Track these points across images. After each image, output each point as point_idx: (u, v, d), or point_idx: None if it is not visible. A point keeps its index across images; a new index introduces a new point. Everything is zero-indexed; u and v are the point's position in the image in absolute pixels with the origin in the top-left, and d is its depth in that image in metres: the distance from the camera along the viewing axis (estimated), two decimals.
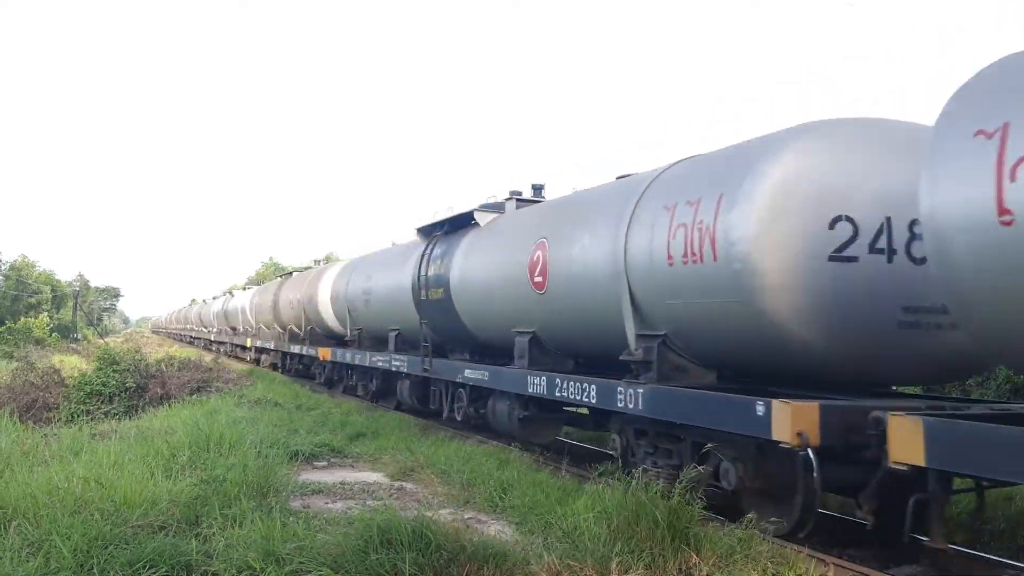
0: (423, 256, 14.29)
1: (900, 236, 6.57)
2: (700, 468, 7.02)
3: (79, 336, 66.57)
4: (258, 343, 31.47)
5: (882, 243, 6.55)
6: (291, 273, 29.35)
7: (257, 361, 32.36)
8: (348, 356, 18.64)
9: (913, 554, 6.78)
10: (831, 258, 6.49)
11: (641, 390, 8.02)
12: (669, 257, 7.63)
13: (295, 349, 24.60)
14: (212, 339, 47.56)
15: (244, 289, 41.12)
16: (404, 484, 9.25)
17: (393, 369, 15.48)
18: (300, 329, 23.90)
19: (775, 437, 6.23)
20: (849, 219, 6.54)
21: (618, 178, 10.37)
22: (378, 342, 17.59)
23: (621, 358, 8.41)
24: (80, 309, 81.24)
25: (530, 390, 10.19)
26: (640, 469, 7.16)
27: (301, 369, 25.67)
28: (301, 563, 5.55)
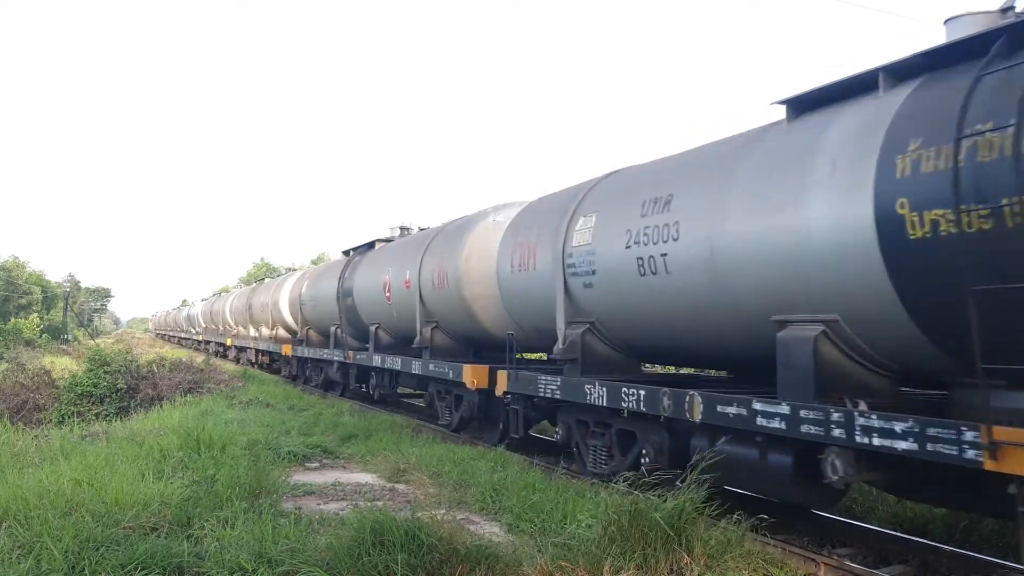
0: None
1: None
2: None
3: (70, 337, 66.29)
4: (238, 343, 36.03)
5: None
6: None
7: (237, 359, 36.46)
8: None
9: (904, 554, 6.83)
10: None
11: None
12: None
13: (264, 347, 29.76)
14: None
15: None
16: (396, 485, 9.24)
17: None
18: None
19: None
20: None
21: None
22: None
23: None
24: (71, 310, 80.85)
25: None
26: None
27: (267, 364, 30.26)
28: (293, 564, 5.55)
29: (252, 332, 32.17)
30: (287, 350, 24.92)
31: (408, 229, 18.76)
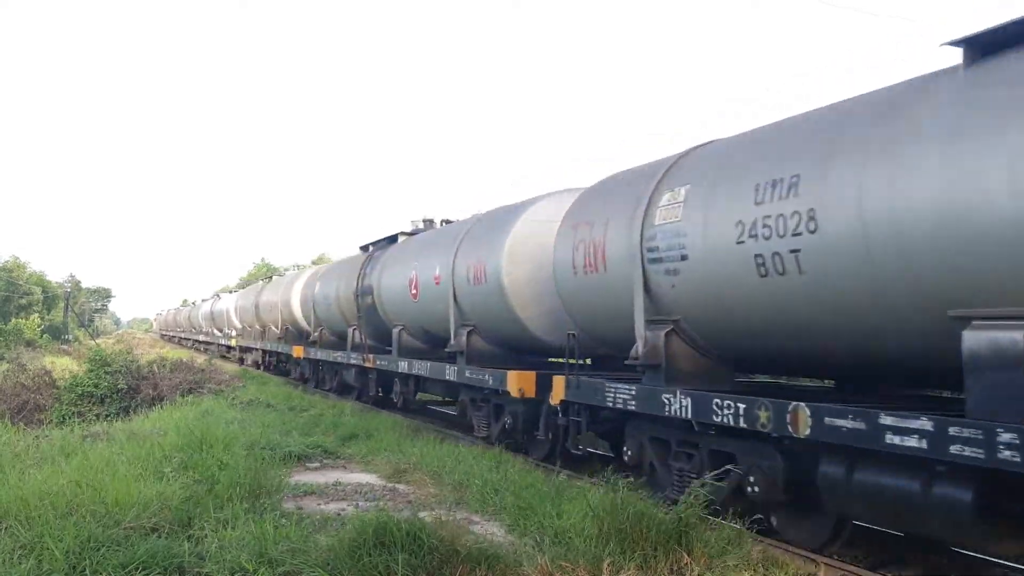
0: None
1: None
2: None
3: (70, 337, 66.31)
4: (319, 356, 24.13)
5: None
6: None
7: (241, 360, 35.20)
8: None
9: (904, 555, 6.83)
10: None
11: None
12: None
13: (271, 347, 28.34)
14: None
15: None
16: (397, 485, 9.26)
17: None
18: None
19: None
20: None
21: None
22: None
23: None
24: (71, 310, 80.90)
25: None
26: None
27: (278, 366, 28.63)
28: (294, 565, 5.56)
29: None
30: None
31: (431, 222, 17.39)
